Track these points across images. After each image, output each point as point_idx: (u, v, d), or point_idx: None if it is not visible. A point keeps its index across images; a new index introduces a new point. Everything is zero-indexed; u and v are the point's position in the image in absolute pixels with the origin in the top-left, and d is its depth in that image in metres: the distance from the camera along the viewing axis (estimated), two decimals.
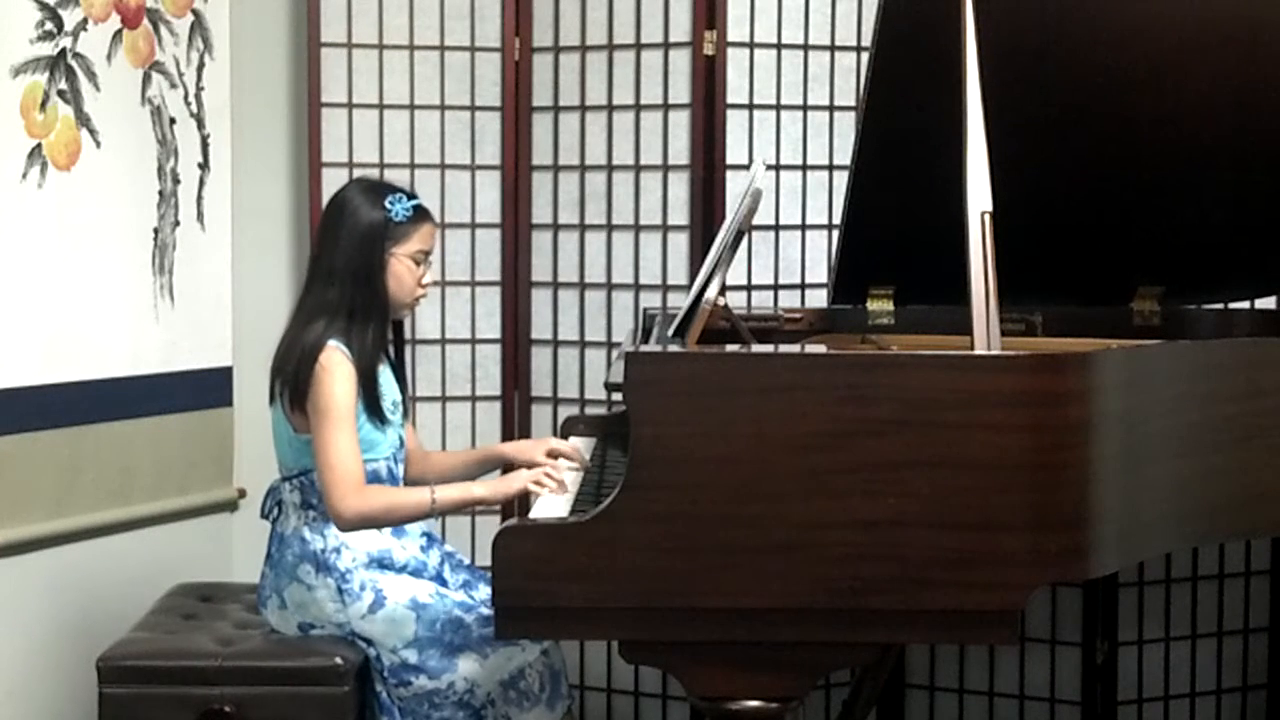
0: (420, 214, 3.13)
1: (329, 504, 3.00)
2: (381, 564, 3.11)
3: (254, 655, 3.07)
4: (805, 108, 3.84)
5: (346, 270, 3.07)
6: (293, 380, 3.03)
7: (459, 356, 4.02)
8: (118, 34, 3.73)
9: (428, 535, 3.25)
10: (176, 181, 3.90)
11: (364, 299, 3.07)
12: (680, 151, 3.84)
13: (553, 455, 3.19)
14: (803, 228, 3.87)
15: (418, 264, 3.13)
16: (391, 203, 3.10)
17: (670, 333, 3.04)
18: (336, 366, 3.01)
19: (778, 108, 3.83)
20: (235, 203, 4.07)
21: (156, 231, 3.86)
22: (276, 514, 3.18)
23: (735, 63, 3.79)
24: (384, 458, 3.13)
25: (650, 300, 3.87)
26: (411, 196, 3.13)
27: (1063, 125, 3.19)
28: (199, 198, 3.97)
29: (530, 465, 3.14)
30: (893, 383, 2.55)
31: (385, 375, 3.16)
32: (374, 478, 3.11)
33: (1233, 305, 3.66)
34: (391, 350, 3.22)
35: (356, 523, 3.01)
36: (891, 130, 3.12)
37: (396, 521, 3.08)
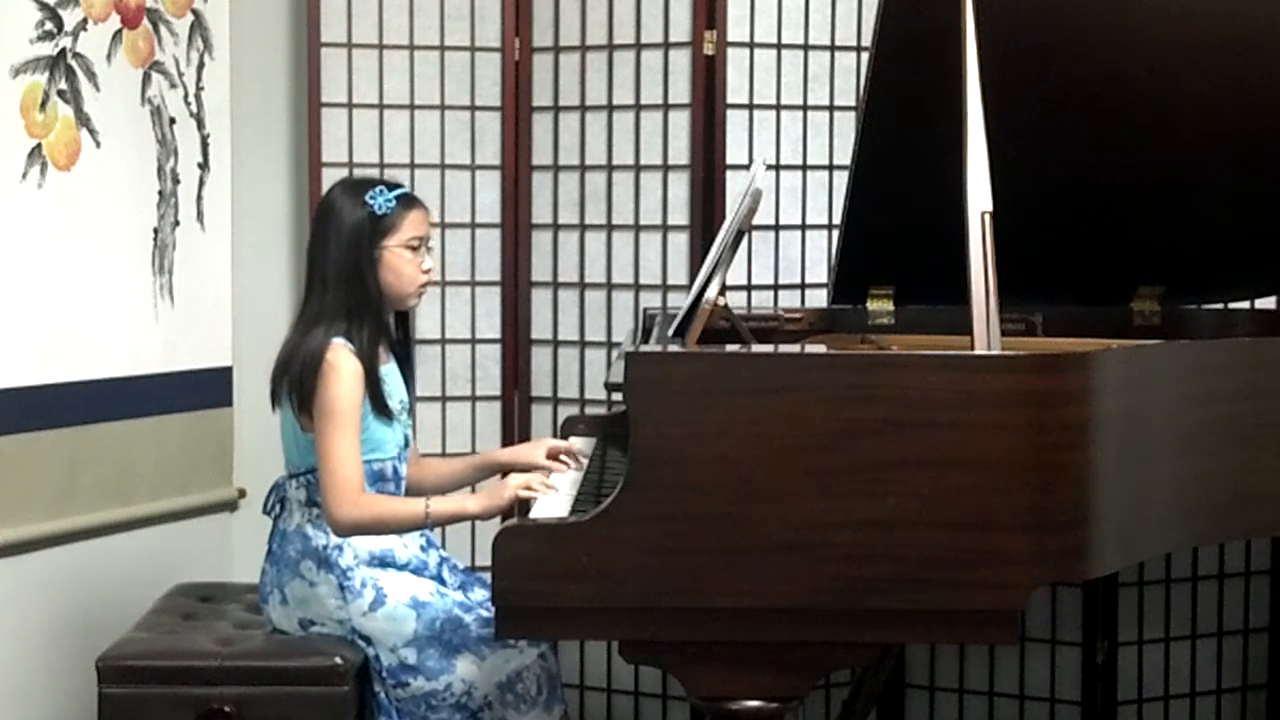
0: (405, 202, 3.11)
1: (326, 509, 3.01)
2: (383, 562, 3.12)
3: (254, 655, 3.07)
4: (805, 108, 3.84)
5: (338, 273, 3.06)
6: (299, 383, 3.03)
7: (459, 356, 4.02)
8: (118, 34, 3.73)
9: (426, 537, 3.26)
10: (176, 181, 3.90)
11: (359, 299, 3.06)
12: (680, 151, 3.84)
13: (552, 455, 3.19)
14: (803, 228, 3.87)
15: (414, 250, 3.12)
16: (372, 197, 3.08)
17: (670, 333, 3.04)
18: (344, 365, 3.01)
19: (778, 108, 3.83)
20: (235, 203, 4.07)
21: (156, 231, 3.86)
22: (279, 510, 3.18)
23: (735, 63, 3.79)
24: (389, 457, 3.13)
25: (650, 300, 3.87)
26: (394, 186, 3.12)
27: (1063, 125, 3.19)
28: (199, 198, 3.97)
29: (528, 468, 3.14)
30: (893, 383, 2.55)
31: (393, 374, 3.16)
32: (379, 477, 3.11)
33: (1233, 305, 3.66)
34: (399, 347, 3.22)
35: (351, 530, 3.03)
36: (891, 130, 3.12)
37: (390, 531, 3.09)
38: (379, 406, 3.07)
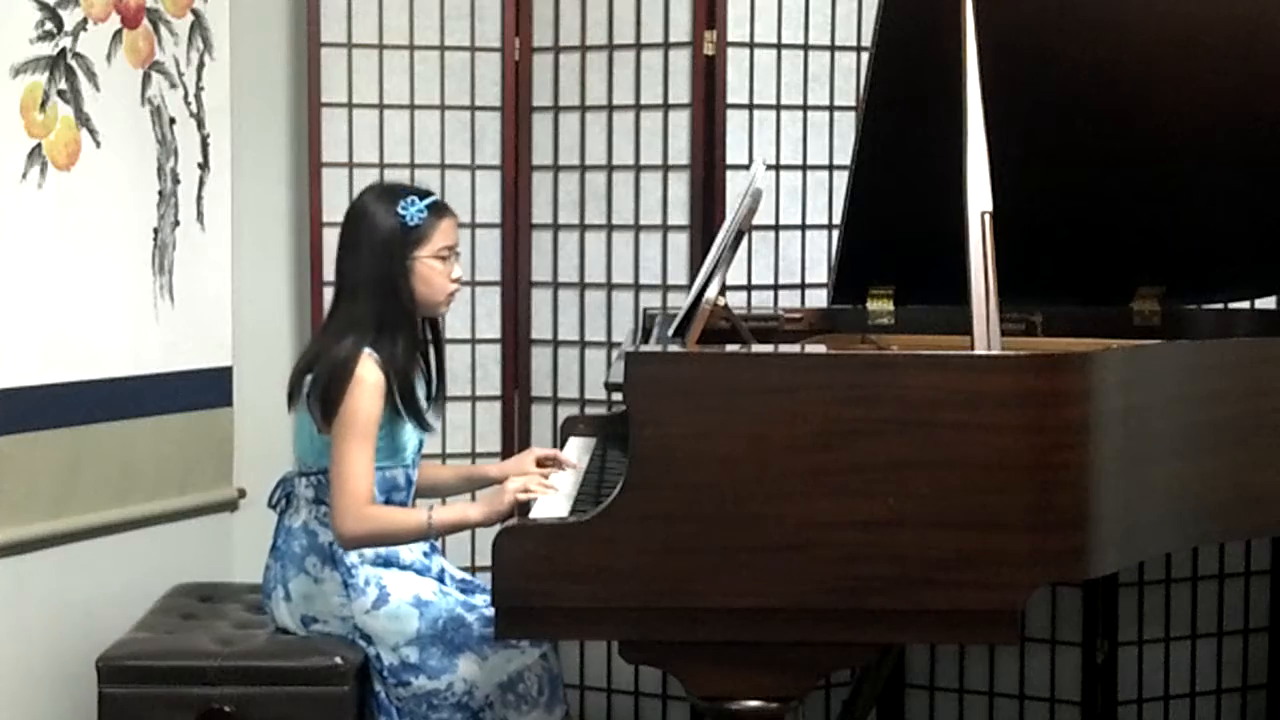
0: (436, 211, 3.10)
1: (332, 522, 3.01)
2: (387, 562, 3.12)
3: (254, 655, 3.07)
4: (805, 108, 3.84)
5: (370, 283, 3.05)
6: (324, 390, 3.02)
7: (459, 356, 4.02)
8: (118, 34, 3.73)
9: (431, 545, 3.26)
10: (176, 181, 3.90)
11: (391, 310, 3.05)
12: (680, 151, 3.84)
13: (540, 464, 3.18)
14: (803, 228, 3.87)
15: (444, 260, 3.11)
16: (404, 208, 3.07)
17: (670, 333, 3.04)
18: (369, 377, 3.00)
19: (778, 108, 3.83)
20: (235, 203, 4.07)
21: (156, 231, 3.86)
22: (284, 506, 3.18)
23: (735, 63, 3.79)
24: (404, 465, 3.14)
25: (650, 300, 3.86)
26: (425, 195, 3.11)
27: (1063, 125, 3.19)
28: (199, 198, 3.97)
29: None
30: (893, 383, 2.55)
31: (421, 384, 3.16)
32: (392, 486, 3.12)
33: (1233, 305, 3.66)
34: (431, 352, 3.22)
35: (354, 544, 3.04)
36: (891, 130, 3.12)
37: (394, 543, 3.09)
38: (414, 416, 3.08)
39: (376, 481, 3.07)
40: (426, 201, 3.09)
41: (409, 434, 3.12)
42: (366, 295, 3.05)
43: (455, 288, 3.14)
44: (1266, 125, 3.21)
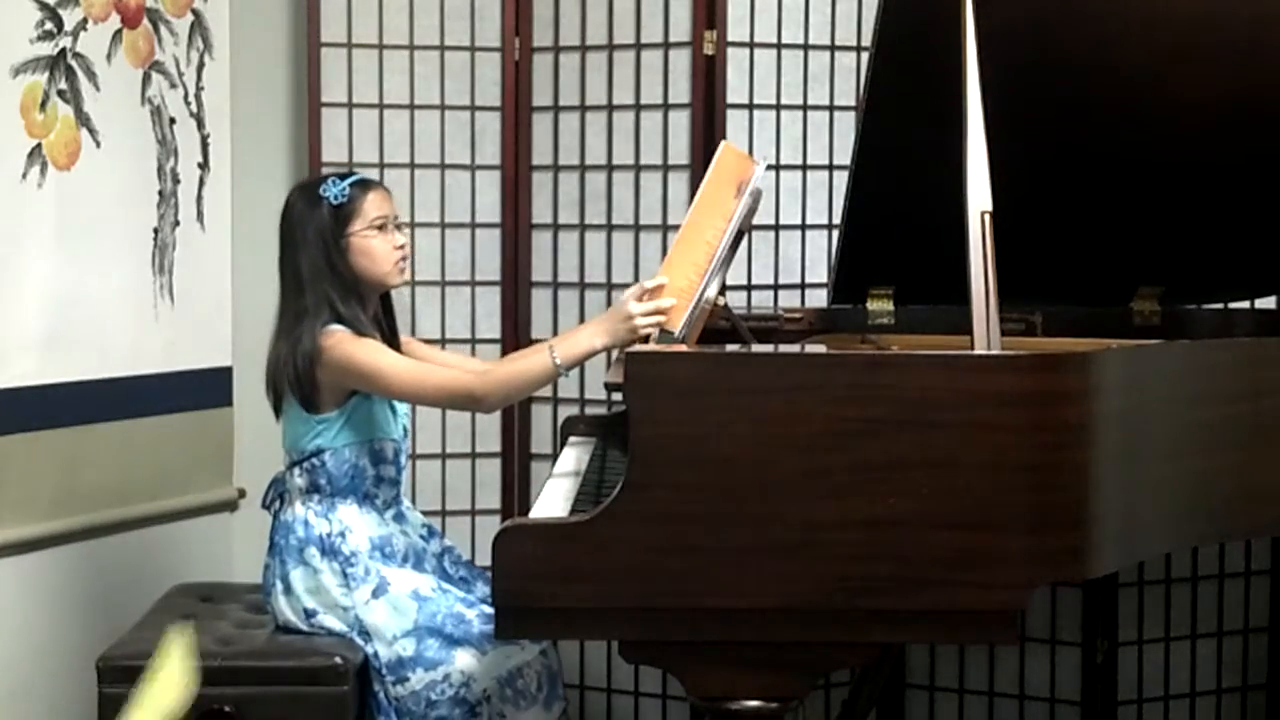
0: (360, 186, 3.12)
1: (470, 406, 3.11)
2: (383, 551, 3.12)
3: (254, 655, 3.07)
4: (805, 108, 3.84)
5: (312, 272, 3.07)
6: (296, 382, 3.03)
7: None
8: (118, 34, 3.73)
9: (428, 527, 3.28)
10: (176, 181, 3.90)
11: (339, 289, 3.07)
12: (680, 151, 3.84)
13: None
14: (803, 228, 3.87)
15: (382, 230, 3.12)
16: (326, 189, 3.10)
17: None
18: (343, 337, 3.02)
19: (778, 108, 3.83)
20: (235, 203, 4.07)
21: (156, 231, 3.86)
22: (279, 505, 3.19)
23: (735, 63, 3.79)
24: (392, 439, 3.15)
25: None
26: (347, 175, 3.14)
27: (1063, 125, 3.19)
28: (199, 198, 3.97)
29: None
30: (893, 383, 2.55)
31: None
32: (380, 458, 3.14)
33: (1233, 305, 3.66)
34: (388, 332, 3.23)
35: (499, 398, 3.04)
36: (891, 130, 3.12)
37: (530, 389, 3.10)
38: None
39: (366, 453, 3.09)
40: (349, 180, 3.12)
41: (391, 409, 3.14)
42: (310, 284, 3.06)
43: (401, 255, 3.14)
44: (1267, 125, 3.21)
